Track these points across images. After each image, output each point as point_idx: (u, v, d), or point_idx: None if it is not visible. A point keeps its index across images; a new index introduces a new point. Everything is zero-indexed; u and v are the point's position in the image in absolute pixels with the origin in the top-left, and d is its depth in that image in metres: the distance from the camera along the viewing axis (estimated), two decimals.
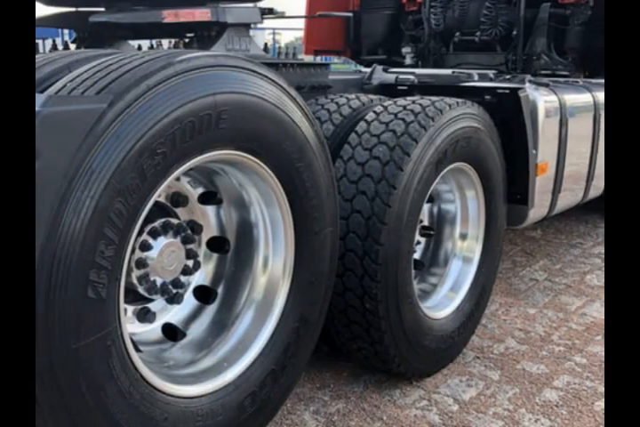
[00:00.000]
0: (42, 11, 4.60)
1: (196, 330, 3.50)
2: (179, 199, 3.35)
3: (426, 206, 4.58)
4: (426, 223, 4.83)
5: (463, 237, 4.93)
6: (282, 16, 5.07)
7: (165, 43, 5.51)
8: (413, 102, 4.20)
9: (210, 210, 3.58)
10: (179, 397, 3.03)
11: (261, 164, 3.19)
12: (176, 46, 4.97)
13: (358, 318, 4.00)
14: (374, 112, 4.16)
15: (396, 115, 4.08)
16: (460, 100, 4.39)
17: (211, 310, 3.57)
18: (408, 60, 7.54)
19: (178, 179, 3.25)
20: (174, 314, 3.49)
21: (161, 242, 3.14)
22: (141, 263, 3.07)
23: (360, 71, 5.99)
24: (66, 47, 4.70)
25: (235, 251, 3.62)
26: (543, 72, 6.92)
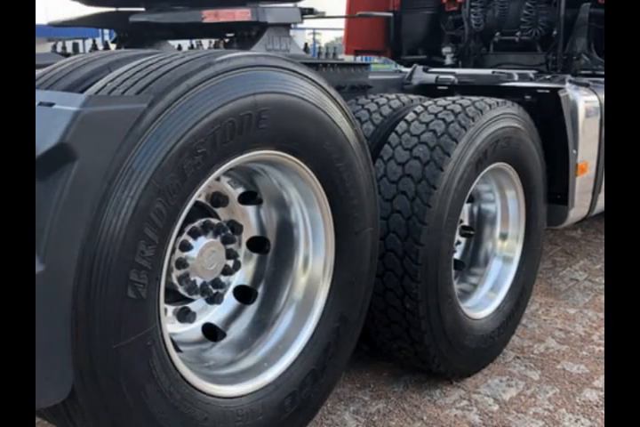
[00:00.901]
0: (82, 11, 4.61)
1: (237, 330, 3.46)
2: (219, 199, 3.32)
3: (466, 206, 4.53)
4: (466, 223, 4.77)
5: (503, 237, 4.86)
6: (322, 16, 5.02)
7: (205, 43, 5.50)
8: (453, 102, 4.15)
9: (250, 210, 3.55)
10: (219, 397, 3.00)
11: (302, 164, 3.15)
12: (216, 46, 4.95)
13: (398, 318, 3.95)
14: (414, 112, 4.11)
15: (436, 115, 4.03)
16: (500, 100, 4.32)
17: (251, 309, 3.54)
18: (448, 60, 7.46)
19: (218, 179, 3.22)
20: (214, 314, 3.46)
21: (201, 242, 3.10)
22: (182, 263, 3.04)
23: (400, 71, 5.94)
24: (106, 47, 4.69)
25: (275, 251, 3.58)
26: (583, 72, 6.81)
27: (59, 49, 4.71)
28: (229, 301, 3.52)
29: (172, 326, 3.19)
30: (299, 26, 4.77)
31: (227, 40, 4.67)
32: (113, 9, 4.54)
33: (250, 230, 3.56)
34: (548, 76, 5.64)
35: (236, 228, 3.40)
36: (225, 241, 3.24)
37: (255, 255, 3.61)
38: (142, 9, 4.35)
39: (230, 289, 3.53)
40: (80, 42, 4.78)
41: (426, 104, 4.18)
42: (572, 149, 4.97)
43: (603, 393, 4.30)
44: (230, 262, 3.31)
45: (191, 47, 5.17)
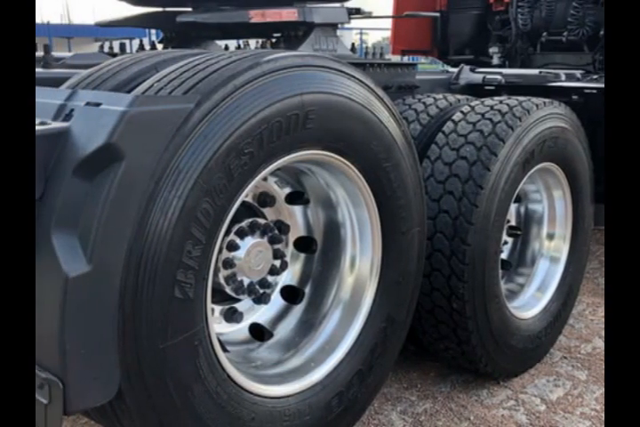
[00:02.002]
0: (129, 11, 4.60)
1: (284, 330, 3.43)
2: (266, 199, 3.29)
3: (513, 206, 4.48)
4: (513, 223, 4.70)
5: (550, 237, 4.79)
6: (369, 16, 4.98)
7: (252, 43, 5.47)
8: (501, 102, 4.09)
9: (297, 210, 3.51)
10: (266, 397, 2.96)
11: (349, 164, 3.10)
12: (263, 46, 4.92)
13: (445, 318, 3.91)
14: (461, 112, 4.05)
15: (483, 115, 3.97)
16: (547, 100, 4.25)
17: (298, 309, 3.50)
18: (495, 60, 7.38)
19: (265, 179, 3.19)
20: (261, 314, 3.43)
21: (248, 242, 3.07)
22: (229, 263, 3.00)
23: (447, 71, 5.87)
24: (153, 47, 4.68)
25: (322, 251, 3.53)
26: None
27: (106, 49, 4.73)
28: (276, 301, 3.48)
29: (219, 326, 3.17)
30: (346, 26, 4.74)
31: (274, 40, 4.65)
32: (160, 9, 4.52)
33: (297, 230, 3.52)
34: (594, 76, 5.56)
35: (283, 228, 3.36)
36: (272, 241, 3.20)
37: (302, 255, 3.57)
38: (189, 9, 4.33)
39: (277, 289, 3.49)
40: (127, 42, 4.78)
41: (473, 104, 4.13)
42: None
43: None
44: (277, 262, 3.27)
45: (238, 47, 5.16)
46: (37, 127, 2.21)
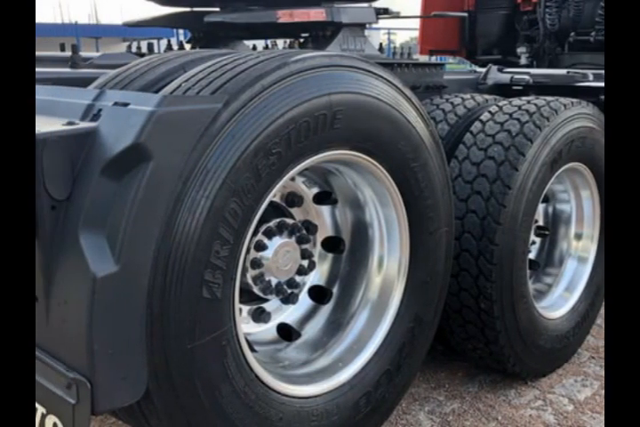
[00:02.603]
0: (157, 11, 4.58)
1: (312, 330, 3.40)
2: (294, 199, 3.26)
3: (541, 206, 4.43)
4: (541, 223, 4.66)
5: (578, 236, 4.74)
6: (397, 16, 4.94)
7: (280, 43, 5.45)
8: (528, 102, 4.05)
9: (325, 210, 3.47)
10: (294, 397, 2.94)
11: (376, 164, 3.06)
12: (291, 46, 4.90)
13: (473, 318, 3.88)
14: (489, 112, 4.02)
15: (511, 115, 3.93)
16: (575, 100, 4.20)
17: (326, 309, 3.47)
18: (523, 60, 7.31)
19: (293, 179, 3.16)
20: (289, 314, 3.41)
21: (276, 242, 3.04)
22: (256, 263, 2.98)
23: (475, 71, 5.81)
24: (181, 47, 4.68)
25: (350, 251, 3.50)
26: None
27: (133, 49, 4.72)
28: (304, 301, 3.46)
29: (246, 326, 3.15)
30: (374, 26, 4.71)
31: (301, 40, 4.62)
32: (188, 9, 4.51)
33: (324, 230, 3.48)
34: None
35: (310, 228, 3.33)
36: (300, 241, 3.17)
37: (330, 255, 3.54)
38: (217, 9, 4.31)
39: (305, 289, 3.47)
40: (155, 42, 4.78)
41: (500, 104, 4.09)
42: None
43: None
44: (305, 262, 3.24)
45: (266, 47, 5.14)
46: (65, 127, 2.19)
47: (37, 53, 4.66)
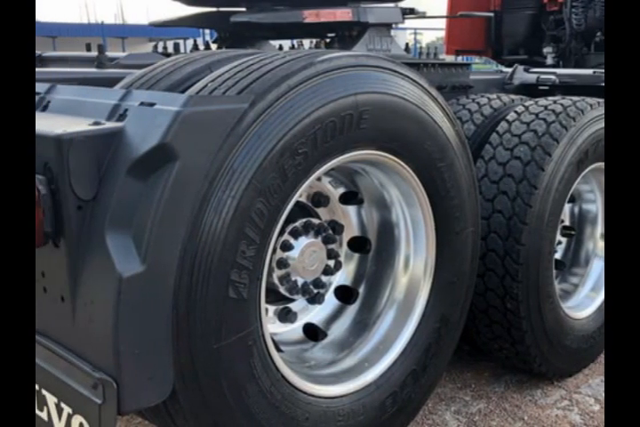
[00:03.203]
0: (183, 11, 4.57)
1: (338, 330, 3.37)
2: (320, 199, 3.23)
3: (567, 206, 4.37)
4: (567, 223, 4.60)
5: (604, 236, 4.66)
6: (423, 16, 4.91)
7: (306, 43, 5.43)
8: (555, 102, 4.00)
9: (351, 210, 3.44)
10: (320, 397, 2.91)
11: (403, 164, 3.02)
12: (317, 46, 4.88)
13: (499, 318, 3.84)
14: (515, 112, 3.97)
15: (537, 115, 3.89)
16: (601, 100, 4.13)
17: (352, 309, 3.43)
18: (549, 60, 7.24)
19: (319, 179, 3.13)
20: (315, 314, 3.38)
21: (302, 242, 3.01)
22: (282, 263, 2.95)
23: (501, 71, 5.77)
24: (207, 47, 4.67)
25: (376, 251, 3.46)
26: None
27: (160, 49, 4.71)
28: (330, 301, 3.43)
29: (272, 326, 3.12)
30: (400, 26, 4.68)
31: (328, 40, 4.60)
32: (214, 9, 4.48)
33: (351, 230, 3.45)
34: None
35: (337, 228, 3.30)
36: (326, 241, 3.13)
37: (356, 255, 3.50)
38: (243, 9, 4.29)
39: (331, 289, 3.44)
40: (181, 42, 4.75)
41: (527, 104, 4.04)
42: None
43: None
44: (331, 262, 3.21)
45: (292, 47, 5.11)
46: (91, 127, 2.18)
47: (64, 53, 4.68)
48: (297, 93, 2.50)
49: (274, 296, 3.07)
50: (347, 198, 3.40)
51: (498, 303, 3.78)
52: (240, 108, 2.35)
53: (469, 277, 3.45)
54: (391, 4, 4.36)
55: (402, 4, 4.37)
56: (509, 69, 5.29)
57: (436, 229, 3.25)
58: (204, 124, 2.26)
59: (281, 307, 3.21)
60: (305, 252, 3.02)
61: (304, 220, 3.04)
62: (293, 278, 3.01)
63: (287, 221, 2.81)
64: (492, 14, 7.45)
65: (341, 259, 3.35)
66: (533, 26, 7.49)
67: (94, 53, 4.03)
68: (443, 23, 8.23)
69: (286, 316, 3.21)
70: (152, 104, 2.26)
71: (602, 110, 4.04)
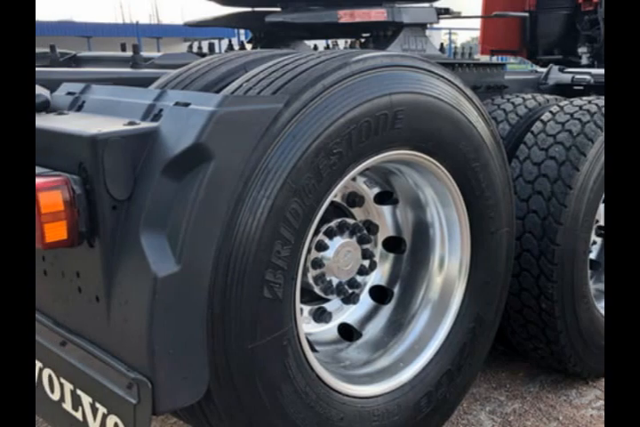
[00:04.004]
0: (218, 11, 4.54)
1: (372, 330, 3.31)
2: (355, 199, 3.19)
3: (602, 206, 4.28)
4: (602, 223, 4.51)
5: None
6: (458, 16, 4.85)
7: (341, 43, 5.39)
8: (589, 102, 3.92)
9: (386, 210, 3.39)
10: (355, 397, 2.86)
11: (437, 164, 2.97)
12: (352, 46, 4.84)
13: (534, 318, 3.77)
14: (550, 112, 3.91)
15: (572, 115, 3.82)
16: None
17: (387, 309, 3.38)
18: (584, 60, 7.16)
19: (354, 179, 3.09)
20: (350, 314, 3.33)
21: (337, 242, 2.96)
22: (317, 263, 2.91)
23: (536, 71, 5.70)
24: (242, 47, 4.64)
25: (411, 251, 3.41)
26: None
27: (194, 49, 4.71)
28: (365, 301, 3.37)
29: (307, 326, 3.08)
30: (435, 26, 4.63)
31: (362, 40, 4.55)
32: (249, 9, 4.46)
33: (385, 230, 3.40)
34: None
35: (371, 228, 3.25)
36: (361, 241, 3.08)
37: (391, 255, 3.45)
38: (278, 9, 4.25)
39: (366, 289, 3.39)
40: (216, 42, 4.74)
41: (562, 104, 3.97)
42: None
43: None
44: (366, 262, 3.15)
45: (327, 47, 5.07)
46: (126, 127, 2.16)
47: (99, 53, 4.67)
48: (332, 93, 2.47)
49: (309, 296, 3.04)
50: (381, 198, 3.35)
51: (533, 303, 3.72)
52: (275, 109, 2.32)
53: (504, 277, 3.39)
54: (426, 4, 4.30)
55: (437, 4, 4.32)
56: (544, 69, 5.22)
57: (470, 230, 3.19)
58: (239, 124, 2.23)
59: (316, 307, 3.17)
60: (340, 252, 2.97)
61: (339, 220, 3.00)
62: (328, 278, 2.97)
63: (322, 222, 2.76)
64: (526, 14, 7.36)
65: (376, 259, 3.29)
66: (568, 26, 7.41)
67: (129, 53, 4.03)
68: (477, 23, 8.18)
69: (321, 316, 3.17)
70: (187, 104, 2.23)
71: None
